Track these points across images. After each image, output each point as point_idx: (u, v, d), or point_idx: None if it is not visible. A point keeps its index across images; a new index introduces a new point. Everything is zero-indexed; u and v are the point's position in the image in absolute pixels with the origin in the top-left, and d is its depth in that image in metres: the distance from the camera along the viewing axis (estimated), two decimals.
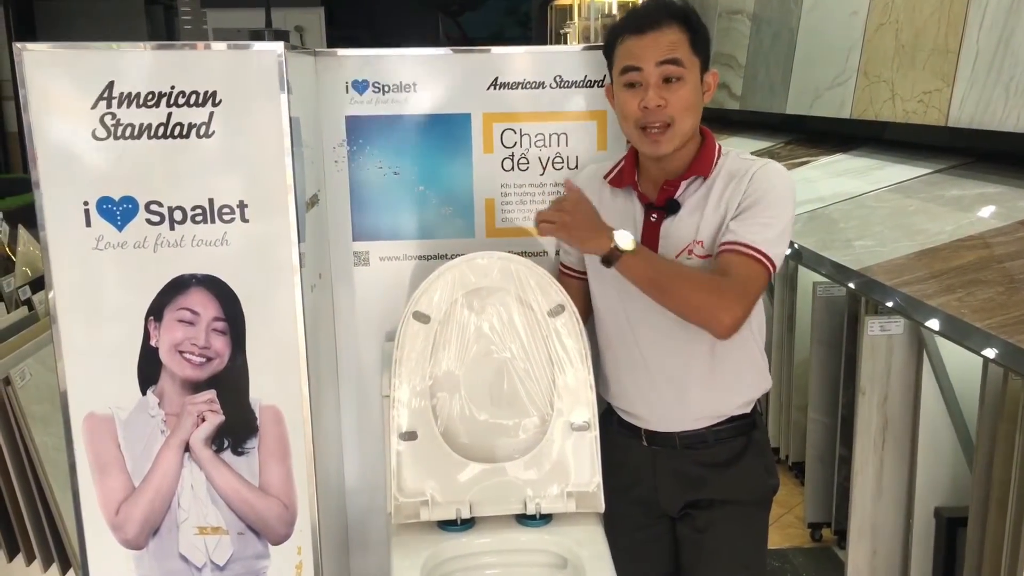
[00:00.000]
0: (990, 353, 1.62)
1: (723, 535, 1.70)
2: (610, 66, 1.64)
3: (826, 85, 3.22)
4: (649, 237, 1.62)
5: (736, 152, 1.65)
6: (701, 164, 1.61)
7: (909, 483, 2.43)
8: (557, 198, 1.62)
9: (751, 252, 1.52)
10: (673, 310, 1.54)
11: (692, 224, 1.60)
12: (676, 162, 1.62)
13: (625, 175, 1.68)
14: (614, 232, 1.50)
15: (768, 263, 1.53)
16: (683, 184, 1.61)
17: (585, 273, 1.77)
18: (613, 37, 1.62)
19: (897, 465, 2.45)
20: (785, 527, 3.06)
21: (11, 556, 2.56)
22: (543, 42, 8.86)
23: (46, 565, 2.54)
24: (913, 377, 2.38)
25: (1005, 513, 1.94)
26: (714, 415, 1.68)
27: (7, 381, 2.38)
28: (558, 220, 1.54)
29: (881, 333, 2.38)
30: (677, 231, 1.61)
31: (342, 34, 9.65)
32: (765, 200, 1.55)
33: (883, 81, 2.79)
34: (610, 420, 1.78)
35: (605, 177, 1.71)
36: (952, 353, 2.32)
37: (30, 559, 2.55)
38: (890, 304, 1.97)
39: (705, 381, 1.65)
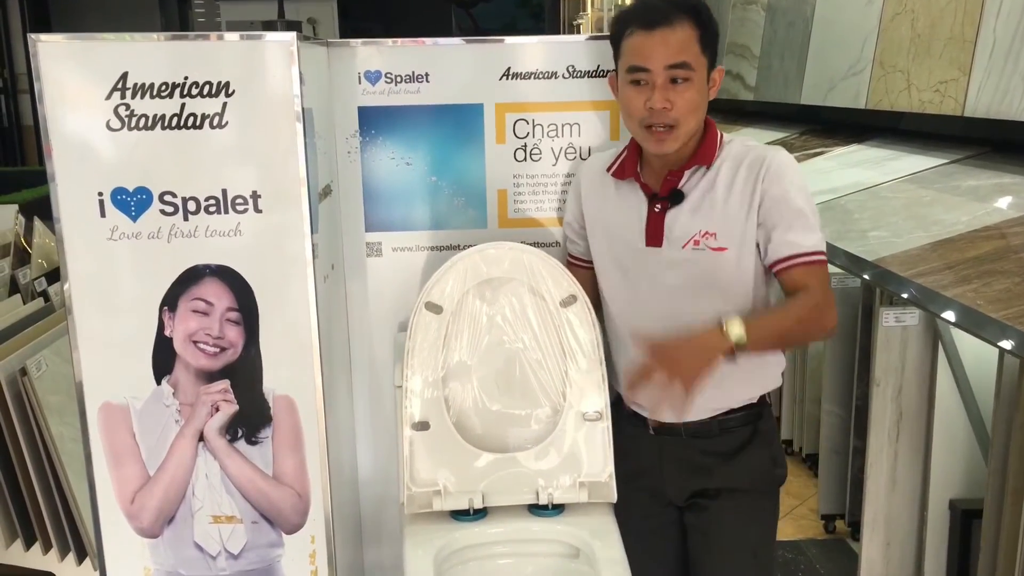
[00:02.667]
0: (1006, 344, 1.61)
1: (730, 524, 1.70)
2: (616, 55, 1.62)
3: (841, 75, 3.19)
4: (654, 227, 1.62)
5: (739, 139, 1.64)
6: (704, 154, 1.60)
7: (924, 475, 2.42)
8: (644, 368, 1.48)
9: (816, 259, 1.56)
10: (788, 349, 1.64)
11: (698, 214, 1.59)
12: (679, 154, 1.60)
13: (627, 167, 1.67)
14: (726, 331, 1.47)
15: (826, 258, 1.59)
16: (686, 173, 1.61)
17: (592, 263, 1.77)
18: (621, 27, 1.58)
19: (912, 457, 2.44)
20: (798, 519, 3.05)
21: (28, 545, 2.59)
22: (556, 33, 8.83)
23: (62, 554, 2.57)
24: (928, 368, 2.37)
25: (1021, 505, 1.93)
26: (720, 407, 1.68)
27: (23, 372, 2.40)
28: (678, 379, 1.45)
29: (896, 324, 2.37)
30: (682, 221, 1.60)
31: (355, 26, 9.65)
32: (795, 198, 1.55)
33: (899, 71, 2.77)
34: (619, 409, 1.78)
35: (608, 169, 1.70)
36: (968, 344, 2.30)
37: (46, 548, 2.57)
38: (905, 295, 1.95)
39: (713, 380, 1.64)
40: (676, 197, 1.60)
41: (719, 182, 1.59)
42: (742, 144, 1.62)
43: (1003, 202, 2.20)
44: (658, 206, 1.62)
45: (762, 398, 1.71)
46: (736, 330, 1.47)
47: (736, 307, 1.61)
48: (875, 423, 2.43)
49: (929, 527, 2.40)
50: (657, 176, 1.63)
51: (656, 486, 1.74)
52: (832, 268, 2.60)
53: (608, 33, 1.68)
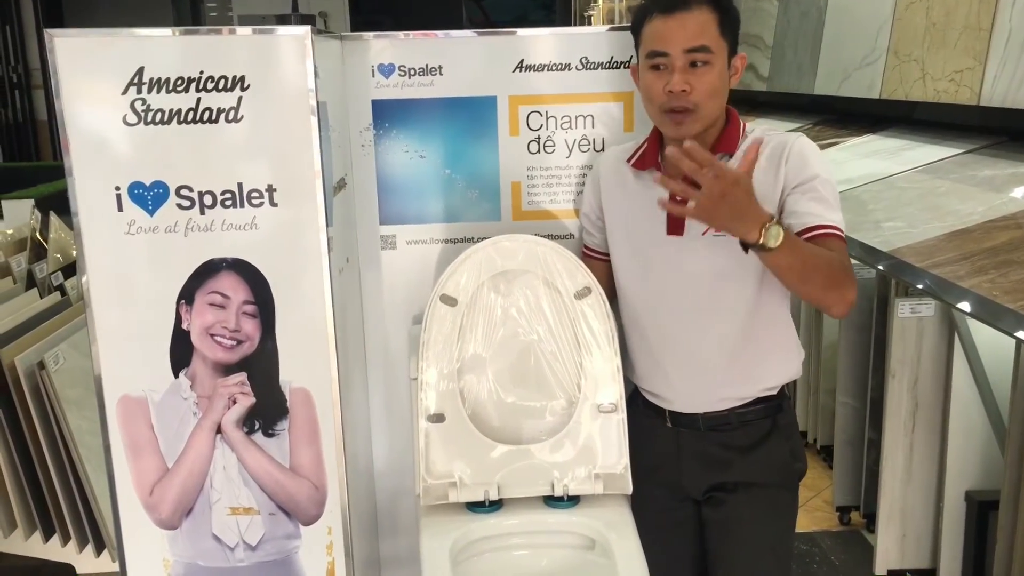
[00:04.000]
0: (1023, 335, 1.60)
1: (748, 518, 1.70)
2: (637, 46, 1.63)
3: (855, 65, 3.17)
4: (675, 217, 1.61)
5: (759, 129, 1.64)
6: (727, 142, 1.61)
7: (939, 466, 2.42)
8: (711, 169, 1.34)
9: (839, 233, 1.53)
10: (803, 294, 1.55)
11: None
12: (702, 140, 1.60)
13: (648, 157, 1.67)
14: (767, 228, 1.38)
15: (845, 239, 1.55)
16: None
17: (608, 254, 1.77)
18: (641, 15, 1.60)
19: (927, 448, 2.44)
20: (813, 510, 3.05)
21: (47, 537, 2.61)
22: (567, 25, 8.80)
23: (81, 546, 2.60)
24: (944, 359, 2.36)
25: None
26: (737, 397, 1.67)
27: (41, 365, 2.42)
28: (705, 202, 1.34)
29: (911, 315, 2.36)
30: None
31: (365, 19, 9.64)
32: (818, 181, 1.54)
33: (913, 60, 2.75)
34: (635, 402, 1.78)
35: (628, 160, 1.70)
36: (984, 335, 2.29)
37: (65, 540, 2.60)
38: (920, 286, 1.95)
39: (729, 363, 1.65)
40: (698, 185, 1.60)
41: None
42: (763, 132, 1.63)
43: (1019, 192, 2.18)
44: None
45: (781, 391, 1.71)
46: (772, 237, 1.38)
47: (756, 294, 1.61)
48: (890, 414, 2.43)
49: (945, 519, 2.40)
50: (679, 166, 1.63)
51: (673, 480, 1.73)
52: None
53: (624, 25, 1.68)
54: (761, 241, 1.39)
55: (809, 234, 1.53)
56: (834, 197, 1.56)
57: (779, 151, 1.57)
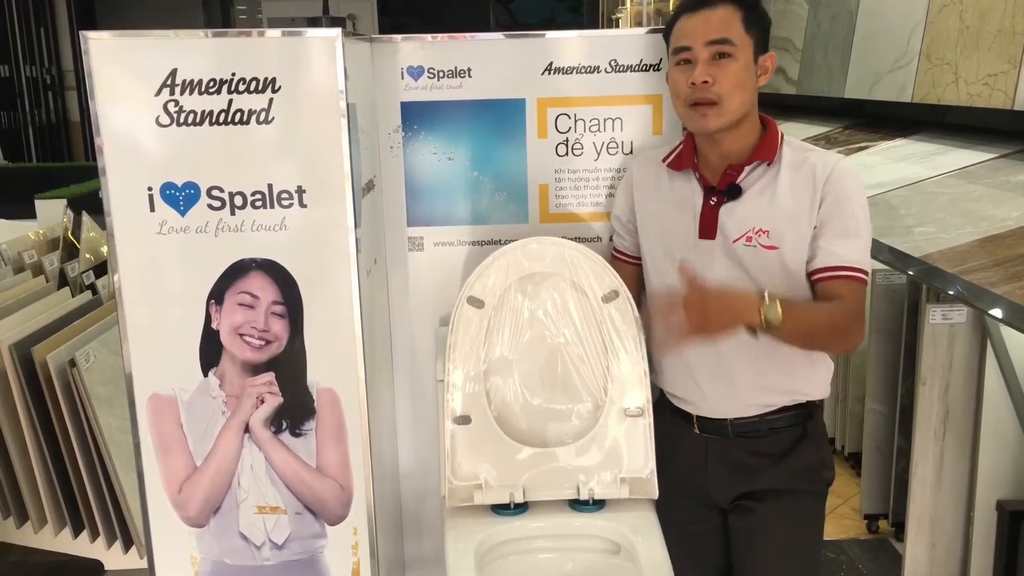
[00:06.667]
0: None
1: (776, 527, 1.68)
2: (667, 49, 1.64)
3: (886, 68, 3.14)
4: (708, 220, 1.61)
5: (798, 142, 1.63)
6: (765, 150, 1.60)
7: (970, 475, 2.39)
8: (674, 301, 1.44)
9: (856, 274, 1.54)
10: (809, 349, 1.61)
11: (754, 211, 1.58)
12: (736, 146, 1.60)
13: (684, 158, 1.67)
14: (763, 308, 1.43)
15: (867, 278, 1.56)
16: (746, 169, 1.60)
17: (638, 258, 1.77)
18: (671, 21, 1.63)
19: (958, 456, 2.41)
20: (841, 518, 3.02)
21: (76, 533, 2.64)
22: (594, 28, 8.78)
23: (109, 542, 2.62)
24: (976, 366, 2.33)
25: None
26: (766, 404, 1.66)
27: (72, 363, 2.45)
28: (694, 325, 1.41)
29: (943, 322, 2.33)
30: (737, 216, 1.59)
31: (393, 22, 9.69)
32: (853, 209, 1.55)
33: (946, 64, 2.72)
34: (662, 409, 1.77)
35: (664, 160, 1.70)
36: (1017, 342, 2.26)
37: (94, 536, 2.63)
38: (952, 292, 1.92)
39: (757, 369, 1.63)
40: (733, 192, 1.60)
41: (779, 181, 1.58)
42: (802, 146, 1.62)
43: None
44: (713, 199, 1.61)
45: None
46: (773, 314, 1.43)
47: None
48: (921, 422, 2.40)
49: (975, 528, 2.37)
50: (715, 170, 1.63)
51: (701, 488, 1.72)
52: (877, 264, 2.57)
53: (654, 28, 1.70)
54: (765, 317, 1.43)
55: (827, 274, 1.55)
56: (867, 230, 1.57)
57: (821, 170, 1.56)
